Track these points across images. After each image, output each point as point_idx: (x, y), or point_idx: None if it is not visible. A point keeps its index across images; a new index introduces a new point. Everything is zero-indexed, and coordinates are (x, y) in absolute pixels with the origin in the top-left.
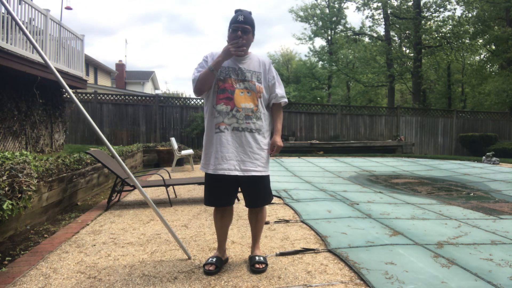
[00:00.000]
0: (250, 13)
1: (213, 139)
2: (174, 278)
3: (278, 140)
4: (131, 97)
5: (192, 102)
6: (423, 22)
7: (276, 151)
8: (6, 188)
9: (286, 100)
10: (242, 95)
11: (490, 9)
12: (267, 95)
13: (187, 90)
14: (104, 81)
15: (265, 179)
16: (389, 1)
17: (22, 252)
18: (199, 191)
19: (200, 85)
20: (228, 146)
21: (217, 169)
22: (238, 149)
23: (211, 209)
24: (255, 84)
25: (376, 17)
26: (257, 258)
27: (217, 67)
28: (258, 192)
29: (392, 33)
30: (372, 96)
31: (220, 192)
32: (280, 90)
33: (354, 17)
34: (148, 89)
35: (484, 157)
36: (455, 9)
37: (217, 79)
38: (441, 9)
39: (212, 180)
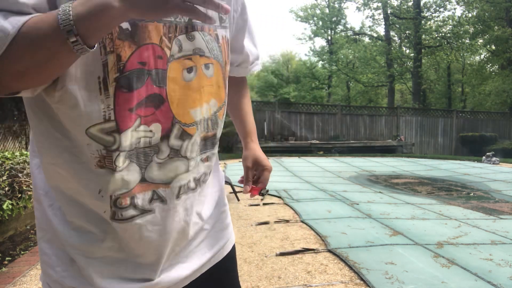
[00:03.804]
0: None
1: (114, 235)
2: None
3: (263, 155)
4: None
5: None
6: (423, 22)
7: (265, 184)
8: (6, 188)
9: (260, 65)
10: (193, 79)
11: (490, 9)
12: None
13: None
14: None
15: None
16: (389, 1)
17: (22, 252)
18: None
19: (13, 71)
20: (168, 243)
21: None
22: (189, 236)
23: None
24: (219, 34)
25: (376, 17)
26: None
27: (96, 31)
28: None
29: (392, 33)
30: (372, 96)
31: None
32: (253, 42)
33: (354, 17)
34: None
35: (484, 157)
36: (455, 9)
37: None
38: (441, 9)
39: None
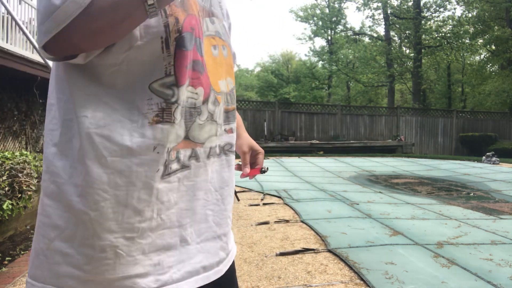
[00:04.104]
0: None
1: (159, 197)
2: None
3: (256, 143)
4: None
5: None
6: (423, 22)
7: (262, 164)
8: (6, 188)
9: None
10: (218, 55)
11: (490, 9)
12: None
13: None
14: None
15: None
16: (389, 1)
17: (22, 252)
18: None
19: (88, 31)
20: (197, 204)
21: (187, 274)
22: (219, 203)
23: None
24: (225, 25)
25: (376, 17)
26: None
27: (166, 0)
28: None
29: (392, 33)
30: (372, 96)
31: None
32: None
33: (354, 17)
34: None
35: (484, 157)
36: (455, 9)
37: None
38: (441, 9)
39: None
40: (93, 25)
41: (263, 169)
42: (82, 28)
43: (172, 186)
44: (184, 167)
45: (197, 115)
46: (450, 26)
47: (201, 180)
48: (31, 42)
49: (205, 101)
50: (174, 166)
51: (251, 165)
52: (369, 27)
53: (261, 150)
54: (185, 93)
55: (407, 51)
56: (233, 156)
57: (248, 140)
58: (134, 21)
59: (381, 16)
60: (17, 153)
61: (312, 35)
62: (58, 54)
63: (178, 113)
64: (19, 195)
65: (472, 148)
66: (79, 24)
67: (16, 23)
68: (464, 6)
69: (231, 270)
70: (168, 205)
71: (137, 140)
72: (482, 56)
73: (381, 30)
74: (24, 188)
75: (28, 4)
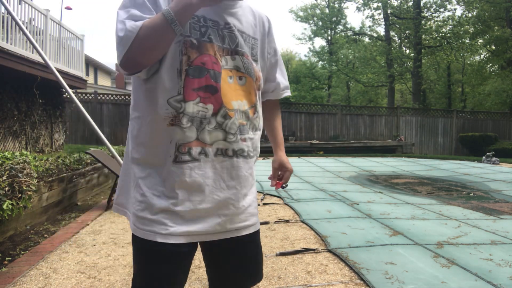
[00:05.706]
0: None
1: (172, 176)
2: None
3: (286, 160)
4: (131, 97)
5: None
6: (423, 22)
7: (286, 181)
8: (6, 188)
9: (289, 92)
10: (232, 83)
11: (490, 9)
12: (263, 83)
13: None
14: (104, 81)
15: (259, 235)
16: (389, 1)
17: (22, 252)
18: None
19: (142, 49)
20: (206, 188)
21: (184, 232)
22: (224, 191)
23: None
24: (252, 62)
25: (376, 17)
26: None
27: (185, 18)
28: (255, 260)
29: (392, 33)
30: (372, 96)
31: (178, 278)
32: (283, 76)
33: (354, 17)
34: None
35: (484, 157)
36: (455, 9)
37: (184, 41)
38: (441, 9)
39: (164, 255)
40: (143, 44)
41: (283, 185)
42: (137, 46)
43: (184, 172)
44: (194, 159)
45: (206, 124)
46: (450, 26)
47: (209, 171)
48: (31, 42)
49: (214, 114)
50: (185, 157)
51: (280, 178)
52: (369, 27)
53: (289, 169)
54: (193, 107)
55: (407, 51)
56: (249, 159)
57: (280, 159)
58: (168, 38)
59: (381, 16)
60: (17, 153)
61: (312, 35)
62: (129, 70)
63: (185, 120)
64: (19, 195)
65: (472, 148)
66: (135, 44)
67: (16, 23)
68: (464, 6)
69: (251, 239)
70: (179, 184)
71: (160, 137)
72: (482, 56)
73: (381, 30)
74: (24, 188)
75: (28, 4)
